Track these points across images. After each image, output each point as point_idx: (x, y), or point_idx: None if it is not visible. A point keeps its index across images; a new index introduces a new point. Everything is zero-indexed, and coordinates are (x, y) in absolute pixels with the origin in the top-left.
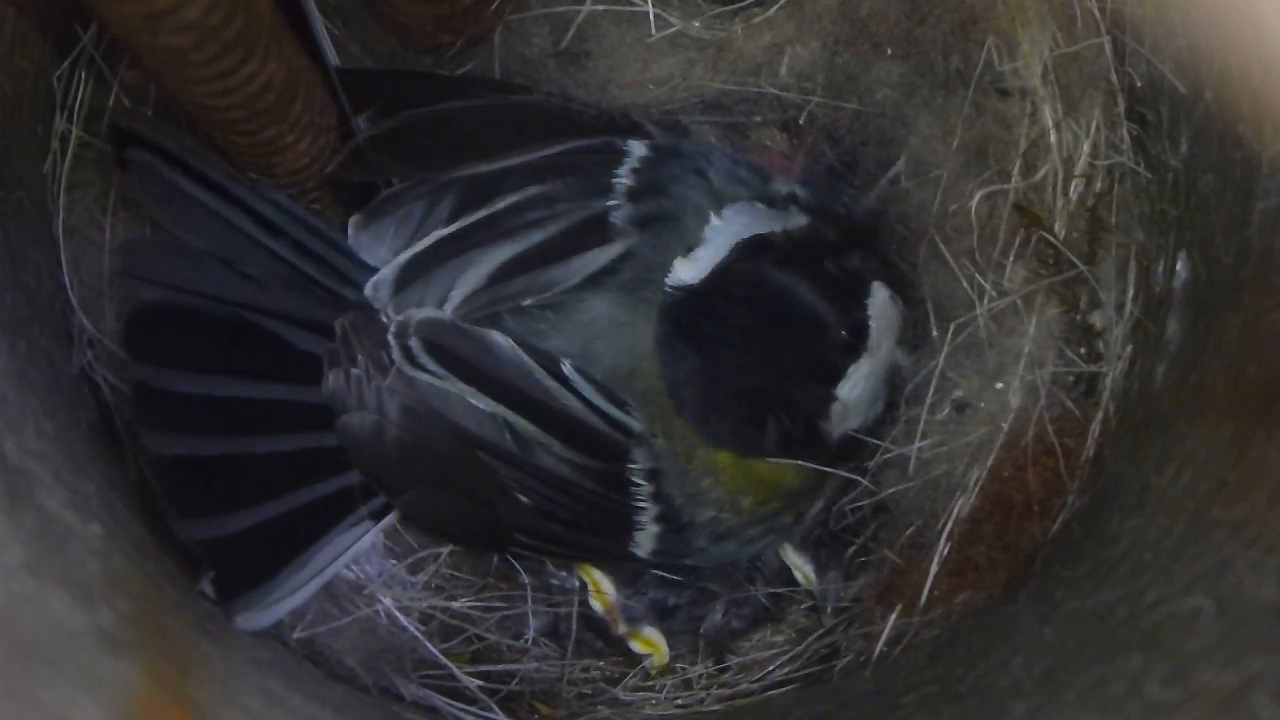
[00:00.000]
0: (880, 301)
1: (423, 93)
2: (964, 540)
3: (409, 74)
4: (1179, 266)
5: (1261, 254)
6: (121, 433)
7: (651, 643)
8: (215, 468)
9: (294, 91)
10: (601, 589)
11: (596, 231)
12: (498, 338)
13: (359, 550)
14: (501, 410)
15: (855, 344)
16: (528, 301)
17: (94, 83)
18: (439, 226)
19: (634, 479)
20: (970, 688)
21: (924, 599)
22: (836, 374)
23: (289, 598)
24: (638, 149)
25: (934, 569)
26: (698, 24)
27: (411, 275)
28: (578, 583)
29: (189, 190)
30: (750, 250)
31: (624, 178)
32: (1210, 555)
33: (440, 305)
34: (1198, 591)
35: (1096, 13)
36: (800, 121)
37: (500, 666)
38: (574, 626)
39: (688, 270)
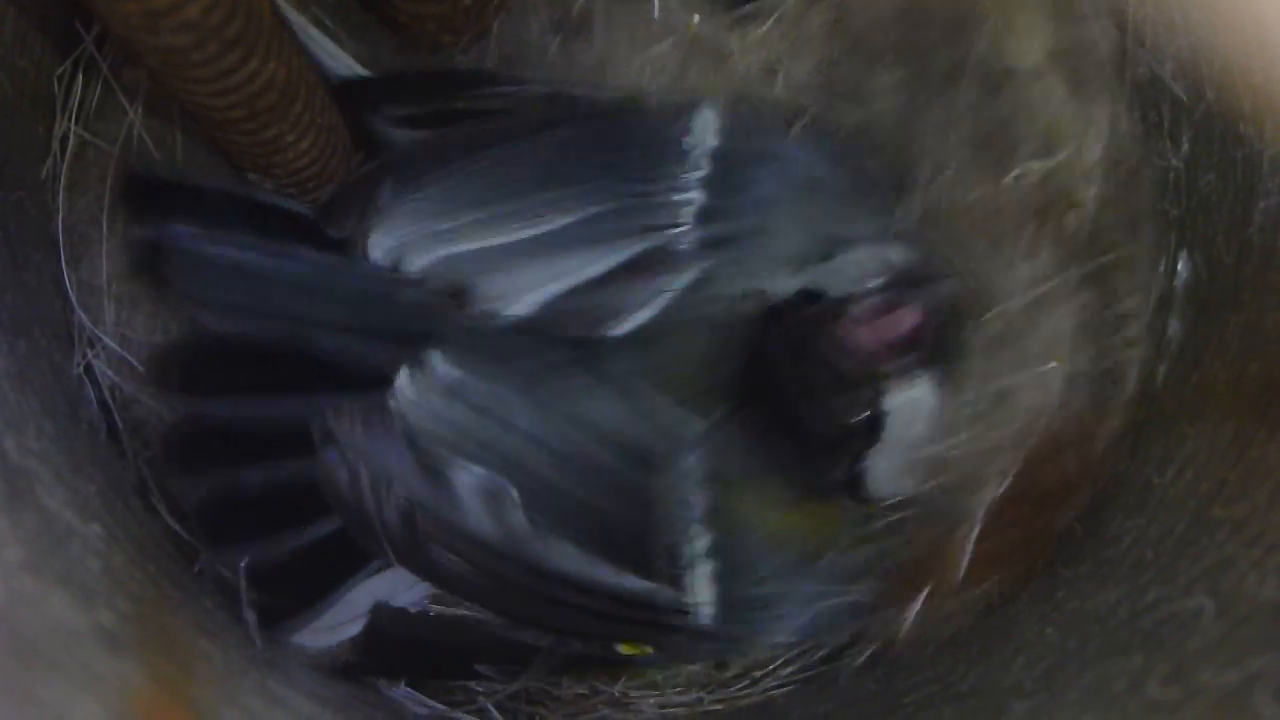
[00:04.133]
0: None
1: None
2: (986, 531)
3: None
4: (1180, 266)
5: (1263, 253)
6: (122, 432)
7: (635, 645)
8: (245, 496)
9: (295, 91)
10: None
11: (662, 262)
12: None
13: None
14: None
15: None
16: (603, 333)
17: (96, 83)
18: (472, 204)
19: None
20: (971, 687)
21: (939, 586)
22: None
23: (350, 623)
24: (705, 137)
25: (960, 558)
26: (697, 18)
27: (469, 267)
28: None
29: (218, 260)
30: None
31: (693, 193)
32: (1211, 554)
33: (497, 308)
34: (1199, 591)
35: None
36: (802, 129)
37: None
38: None
39: (827, 279)
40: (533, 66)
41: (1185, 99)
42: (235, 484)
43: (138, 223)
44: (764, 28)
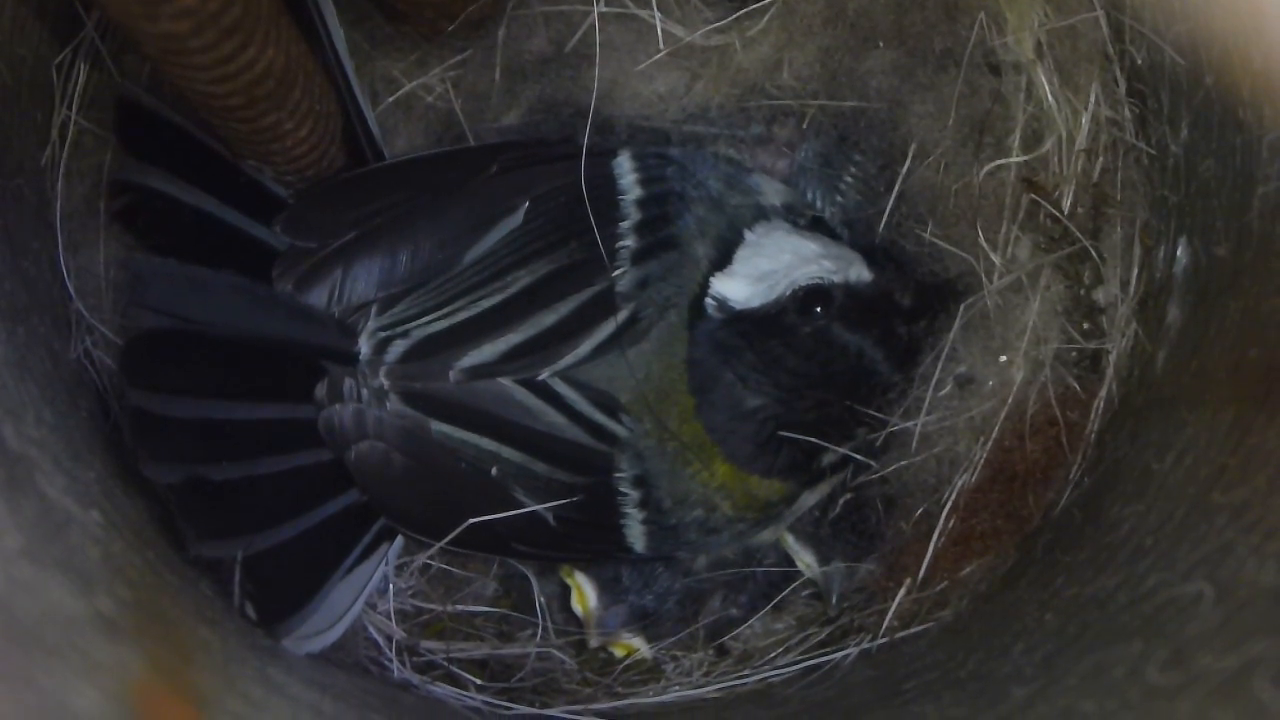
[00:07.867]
0: None
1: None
2: (968, 511)
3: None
4: (1179, 252)
5: (1262, 239)
6: (120, 419)
7: (630, 647)
8: (224, 491)
9: (293, 78)
10: (584, 595)
11: (604, 305)
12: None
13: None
14: (484, 442)
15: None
16: (541, 375)
17: (94, 70)
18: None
19: (621, 488)
20: (970, 673)
21: (924, 568)
22: (865, 420)
23: (340, 622)
24: (631, 187)
25: (935, 537)
26: (699, 35)
27: (422, 351)
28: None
29: (184, 214)
30: (812, 301)
31: (629, 239)
32: (1211, 540)
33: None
34: (1198, 576)
35: None
36: (804, 126)
37: (501, 650)
38: (546, 623)
39: (732, 289)
40: (533, 85)
41: (1184, 85)
42: (206, 481)
43: (125, 158)
44: (762, 22)
